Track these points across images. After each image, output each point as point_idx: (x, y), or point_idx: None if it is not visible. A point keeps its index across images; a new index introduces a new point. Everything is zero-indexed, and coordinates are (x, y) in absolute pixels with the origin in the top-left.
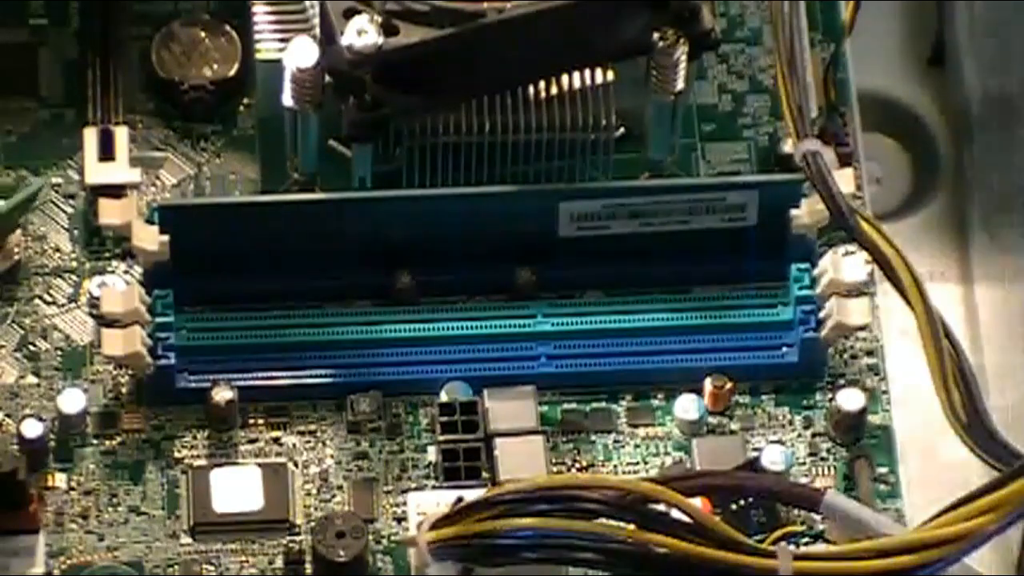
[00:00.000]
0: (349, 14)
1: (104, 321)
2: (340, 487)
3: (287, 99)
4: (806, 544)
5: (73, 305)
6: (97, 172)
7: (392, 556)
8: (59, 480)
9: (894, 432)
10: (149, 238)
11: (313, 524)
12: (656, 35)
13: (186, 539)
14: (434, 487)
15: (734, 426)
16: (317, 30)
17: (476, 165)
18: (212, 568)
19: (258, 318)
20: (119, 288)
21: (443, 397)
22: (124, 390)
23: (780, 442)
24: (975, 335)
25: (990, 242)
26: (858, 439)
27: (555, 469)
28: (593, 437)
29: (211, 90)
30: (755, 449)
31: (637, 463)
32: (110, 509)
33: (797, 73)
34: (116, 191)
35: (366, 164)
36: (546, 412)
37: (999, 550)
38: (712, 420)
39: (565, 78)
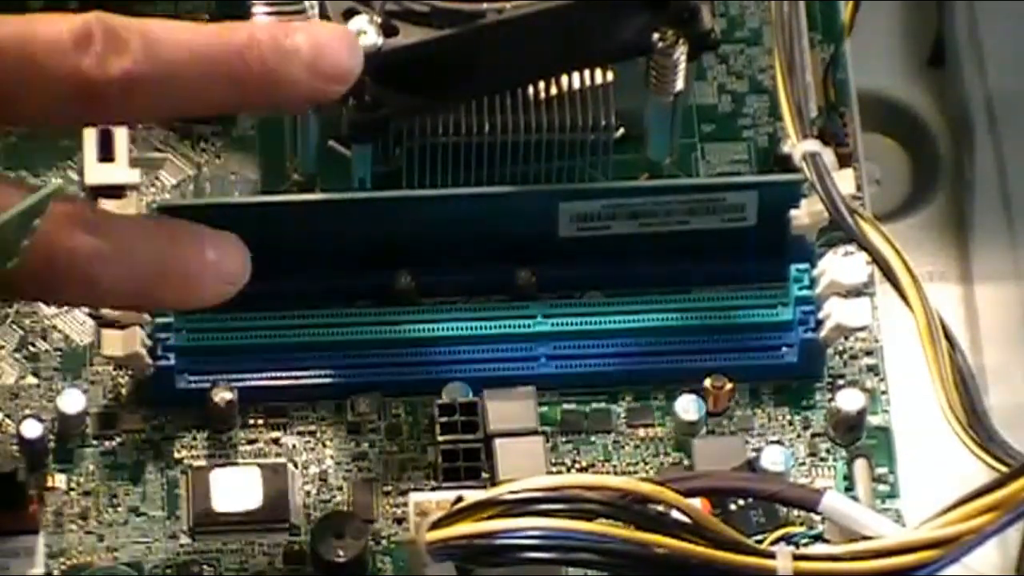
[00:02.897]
0: (349, 15)
1: (104, 321)
2: (340, 487)
3: None
4: (806, 544)
5: None
6: (97, 173)
7: (392, 556)
8: (59, 480)
9: (893, 432)
10: None
11: (313, 524)
12: (655, 35)
13: (186, 539)
14: (434, 487)
15: (734, 427)
16: None
17: (476, 165)
18: (212, 568)
19: (258, 319)
20: None
21: (443, 398)
22: (124, 390)
23: (779, 442)
24: (975, 335)
25: (990, 242)
26: (857, 439)
27: (555, 469)
28: (593, 437)
29: None
30: (754, 449)
31: (637, 463)
32: (110, 509)
33: (797, 73)
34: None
35: (366, 164)
36: (546, 412)
37: (999, 550)
38: (712, 421)
39: (565, 78)
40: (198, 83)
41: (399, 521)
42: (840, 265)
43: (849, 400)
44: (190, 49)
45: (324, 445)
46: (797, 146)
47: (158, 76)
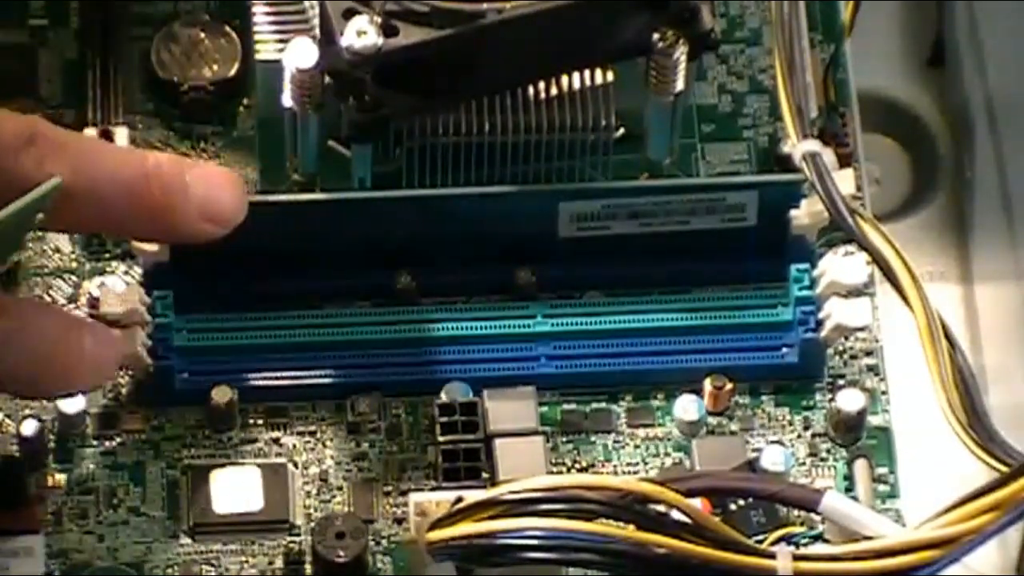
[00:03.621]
0: (349, 15)
1: (104, 321)
2: (340, 488)
3: (287, 100)
4: (806, 544)
5: (73, 305)
6: None
7: (392, 556)
8: (59, 480)
9: (893, 432)
10: None
11: (313, 525)
12: (656, 35)
13: (186, 539)
14: (434, 487)
15: (734, 427)
16: (317, 31)
17: (476, 165)
18: (212, 569)
19: (258, 318)
20: (119, 289)
21: (443, 398)
22: (124, 390)
23: (780, 443)
24: (975, 335)
25: (990, 242)
26: (858, 439)
27: (555, 470)
28: (593, 437)
29: (211, 90)
30: (755, 450)
31: (637, 463)
32: (110, 510)
33: (797, 73)
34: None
35: (366, 164)
36: (546, 412)
37: (999, 550)
38: (712, 421)
39: (565, 78)
40: (111, 203)
41: (399, 521)
42: (840, 265)
43: (849, 400)
44: (113, 171)
45: (324, 445)
46: (797, 146)
47: (83, 191)
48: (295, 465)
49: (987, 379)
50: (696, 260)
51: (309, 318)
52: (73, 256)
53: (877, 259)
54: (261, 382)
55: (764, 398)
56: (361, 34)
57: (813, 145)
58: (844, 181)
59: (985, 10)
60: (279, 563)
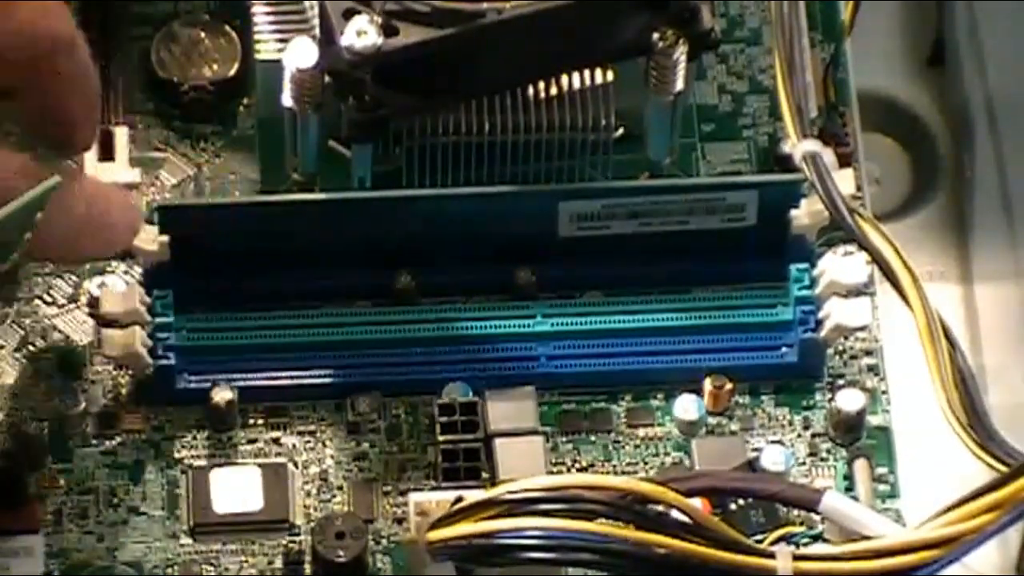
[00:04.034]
0: (349, 15)
1: (104, 321)
2: (340, 487)
3: (287, 99)
4: (806, 544)
5: (73, 305)
6: (97, 172)
7: (392, 556)
8: (59, 480)
9: (893, 432)
10: (149, 238)
11: (313, 524)
12: (656, 35)
13: (186, 539)
14: (434, 487)
15: (734, 426)
16: (317, 31)
17: (476, 165)
18: (212, 568)
19: (258, 318)
20: (119, 288)
21: (443, 398)
22: (124, 390)
23: (780, 442)
24: (975, 335)
25: (990, 242)
26: (857, 439)
27: (555, 469)
28: (592, 437)
29: (211, 90)
30: (755, 449)
31: (636, 463)
32: (110, 510)
33: (797, 73)
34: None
35: (366, 164)
36: (546, 412)
37: (999, 550)
38: (712, 420)
39: (565, 78)
40: None
41: (399, 521)
42: (840, 265)
43: (849, 400)
44: None
45: (324, 445)
46: (797, 146)
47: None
48: (295, 465)
49: (987, 379)
50: (696, 260)
51: (309, 318)
52: None
53: (877, 259)
54: (261, 382)
55: (764, 398)
56: (361, 34)
57: (813, 145)
58: (844, 181)
59: (985, 10)
60: (279, 563)
